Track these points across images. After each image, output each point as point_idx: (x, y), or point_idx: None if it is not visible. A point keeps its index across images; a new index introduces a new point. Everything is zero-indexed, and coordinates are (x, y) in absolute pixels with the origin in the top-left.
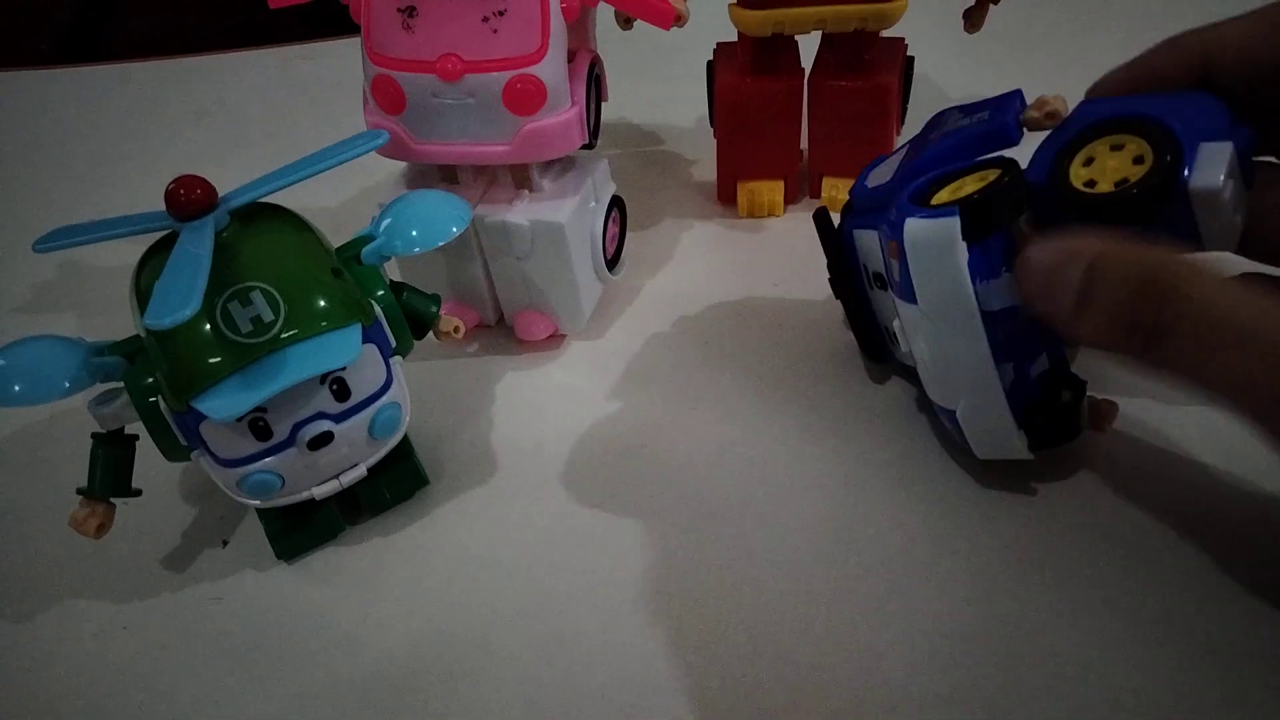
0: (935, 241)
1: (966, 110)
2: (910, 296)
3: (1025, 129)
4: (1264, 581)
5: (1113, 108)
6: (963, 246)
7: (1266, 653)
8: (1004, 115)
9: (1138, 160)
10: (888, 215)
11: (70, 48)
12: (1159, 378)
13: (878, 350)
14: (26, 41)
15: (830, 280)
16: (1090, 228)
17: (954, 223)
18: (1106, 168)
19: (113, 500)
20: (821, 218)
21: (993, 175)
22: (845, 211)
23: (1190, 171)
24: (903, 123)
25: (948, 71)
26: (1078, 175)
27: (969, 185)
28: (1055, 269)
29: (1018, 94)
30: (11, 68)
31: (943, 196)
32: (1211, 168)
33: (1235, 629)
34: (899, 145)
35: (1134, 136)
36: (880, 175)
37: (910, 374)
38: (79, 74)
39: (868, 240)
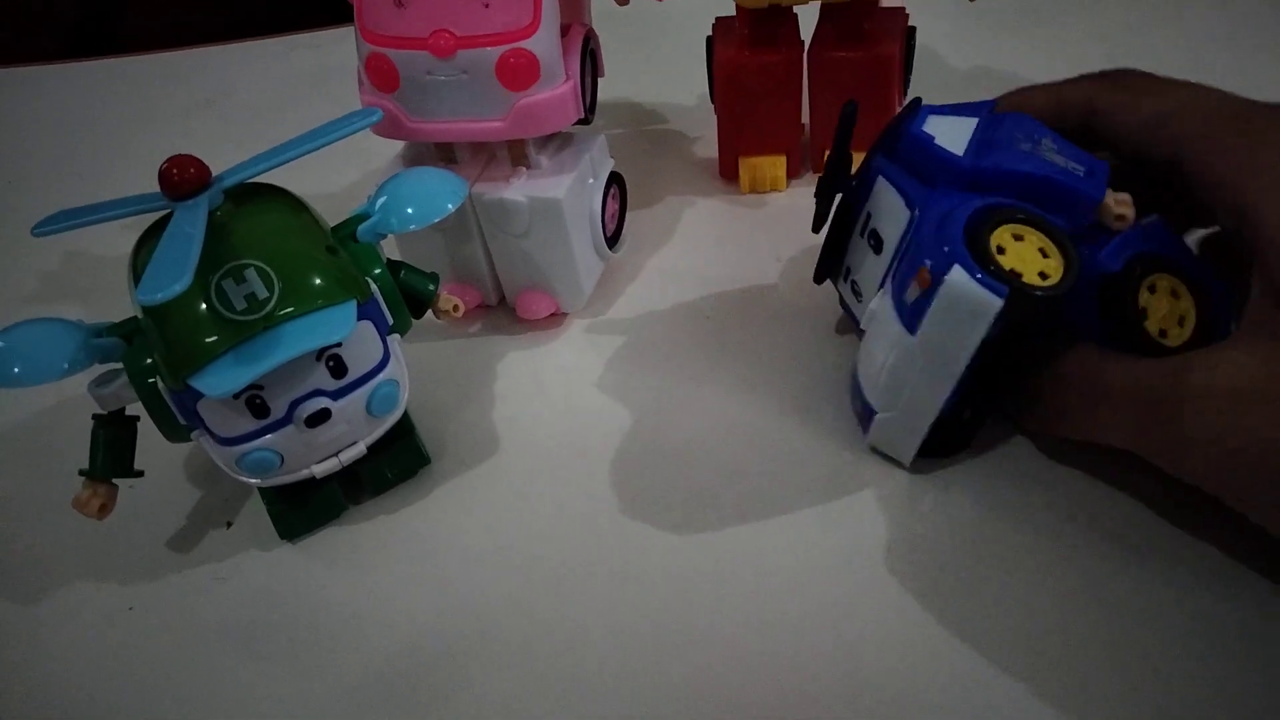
0: (971, 308)
1: (1060, 144)
2: (912, 327)
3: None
4: (1241, 559)
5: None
6: (990, 322)
7: (1243, 629)
8: (1091, 190)
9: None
10: (931, 233)
11: (77, 44)
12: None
13: (824, 275)
14: (33, 39)
15: (822, 179)
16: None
17: (998, 304)
18: (1161, 308)
19: (115, 481)
20: (849, 114)
21: (1056, 264)
22: (881, 142)
23: None
24: (905, 94)
25: (951, 41)
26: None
27: (1028, 253)
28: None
29: (1106, 170)
30: (18, 64)
31: (999, 248)
32: None
33: (1215, 610)
34: (970, 104)
35: (1191, 300)
36: (946, 136)
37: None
38: (85, 68)
39: (887, 196)
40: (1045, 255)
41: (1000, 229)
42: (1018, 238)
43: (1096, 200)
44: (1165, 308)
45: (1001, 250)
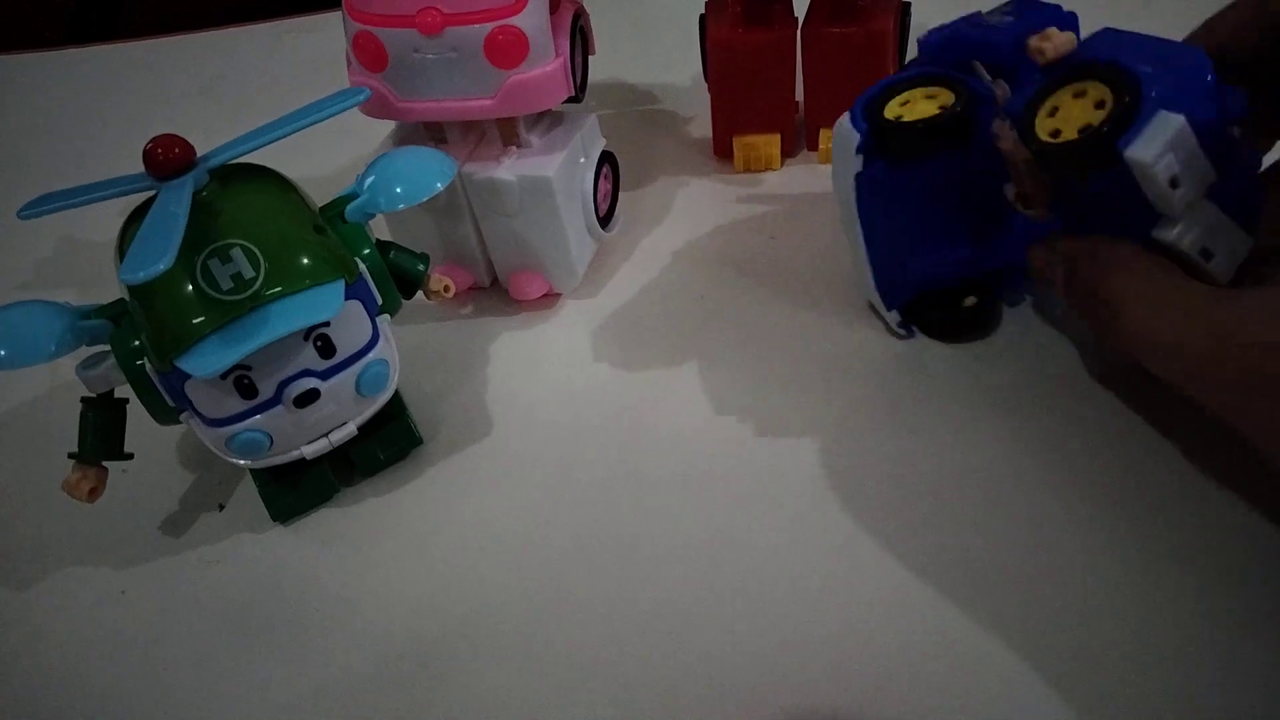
0: (845, 142)
1: (1017, 8)
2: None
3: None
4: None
5: (1090, 52)
6: (857, 160)
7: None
8: (999, 37)
9: (1100, 105)
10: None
11: (73, 31)
12: None
13: None
14: (30, 26)
15: None
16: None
17: (855, 139)
18: (1071, 116)
19: (106, 465)
20: None
21: (936, 106)
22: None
23: (1130, 139)
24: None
25: (946, 18)
26: (1043, 126)
27: (929, 107)
28: (1048, 268)
29: (1046, 16)
30: (14, 50)
31: (905, 101)
32: (1152, 140)
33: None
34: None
35: (1096, 82)
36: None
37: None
38: (81, 55)
39: None
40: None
41: (910, 91)
42: (930, 97)
43: (999, 42)
44: (1076, 110)
45: (907, 103)
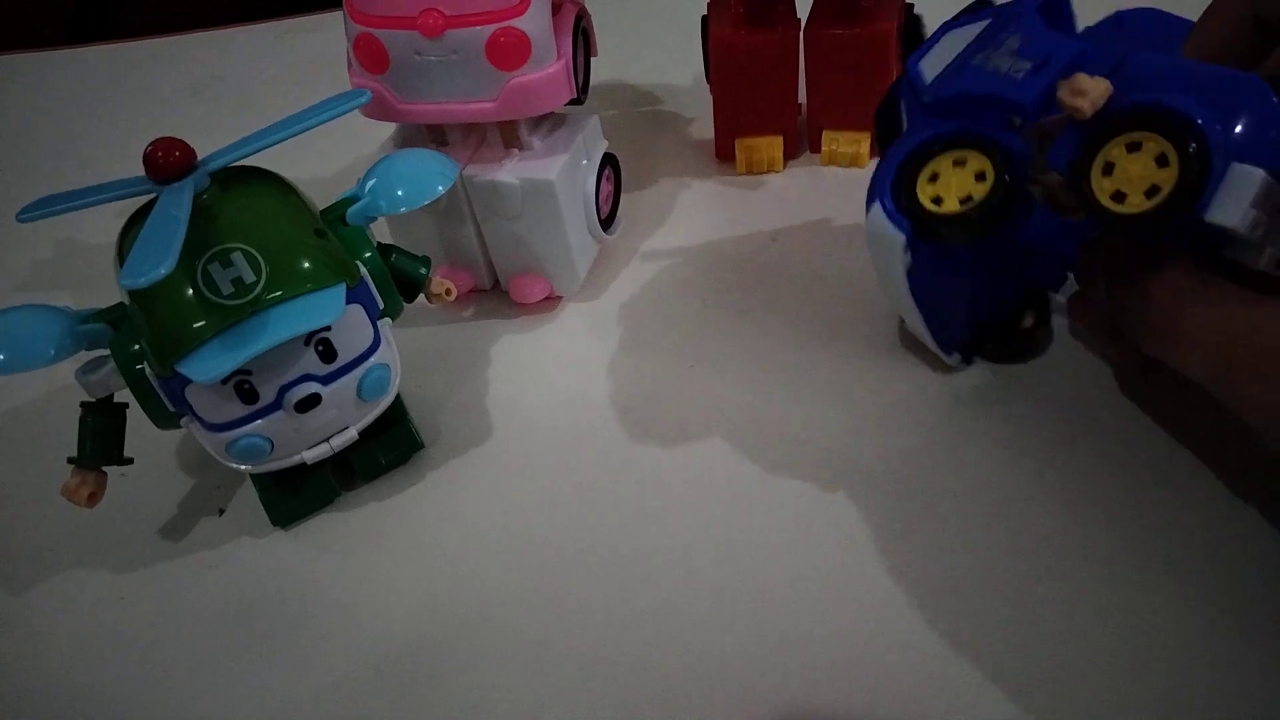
0: (885, 240)
1: (1026, 46)
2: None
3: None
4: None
5: (1111, 66)
6: (905, 257)
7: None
8: (1017, 92)
9: (1162, 160)
10: (878, 172)
11: (74, 31)
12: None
13: None
14: (30, 26)
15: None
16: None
17: (901, 237)
18: (1131, 175)
19: (105, 470)
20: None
21: (979, 181)
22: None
23: (1208, 200)
24: None
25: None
26: (1102, 189)
27: (963, 178)
28: (1090, 269)
29: (1068, 56)
30: (14, 50)
31: (934, 175)
32: (1233, 200)
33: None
34: (961, 20)
35: (1153, 134)
36: (938, 58)
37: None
38: (81, 54)
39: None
40: (981, 179)
41: (941, 157)
42: (960, 163)
43: (1022, 101)
44: (1136, 168)
45: (935, 178)
